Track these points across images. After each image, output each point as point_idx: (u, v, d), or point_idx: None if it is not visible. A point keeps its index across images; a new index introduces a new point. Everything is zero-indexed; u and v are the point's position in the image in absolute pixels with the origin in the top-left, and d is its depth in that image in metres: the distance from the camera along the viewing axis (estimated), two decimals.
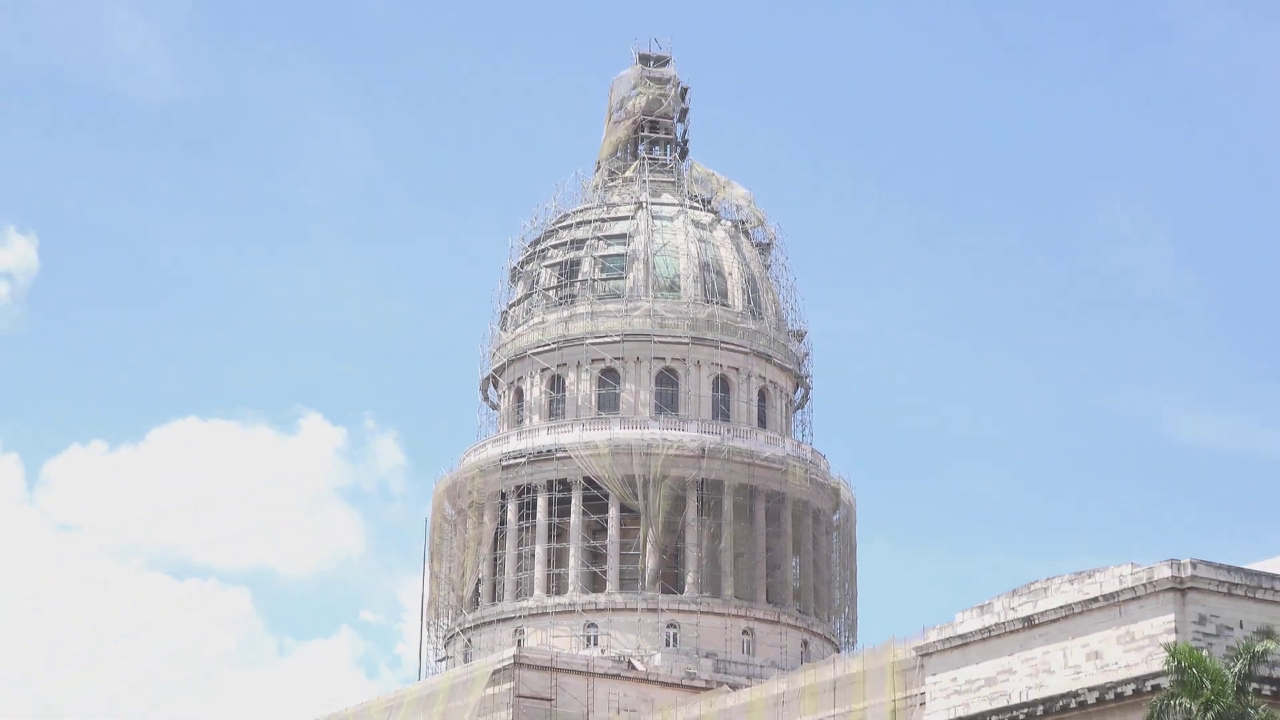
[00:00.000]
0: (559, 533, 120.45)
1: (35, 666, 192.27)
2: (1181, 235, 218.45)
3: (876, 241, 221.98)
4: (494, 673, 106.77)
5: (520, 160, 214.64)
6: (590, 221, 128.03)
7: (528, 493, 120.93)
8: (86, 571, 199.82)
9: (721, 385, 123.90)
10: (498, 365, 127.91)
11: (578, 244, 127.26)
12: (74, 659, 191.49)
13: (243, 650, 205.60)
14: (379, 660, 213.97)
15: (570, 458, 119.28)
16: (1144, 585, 75.02)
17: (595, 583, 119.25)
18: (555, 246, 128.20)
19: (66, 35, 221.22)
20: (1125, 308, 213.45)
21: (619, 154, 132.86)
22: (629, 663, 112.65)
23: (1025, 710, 78.66)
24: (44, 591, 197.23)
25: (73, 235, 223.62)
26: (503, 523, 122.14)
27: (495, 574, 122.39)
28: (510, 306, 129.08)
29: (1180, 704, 68.39)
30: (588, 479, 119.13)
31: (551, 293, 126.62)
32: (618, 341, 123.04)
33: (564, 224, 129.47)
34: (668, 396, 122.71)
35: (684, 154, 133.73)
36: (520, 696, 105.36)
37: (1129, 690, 74.56)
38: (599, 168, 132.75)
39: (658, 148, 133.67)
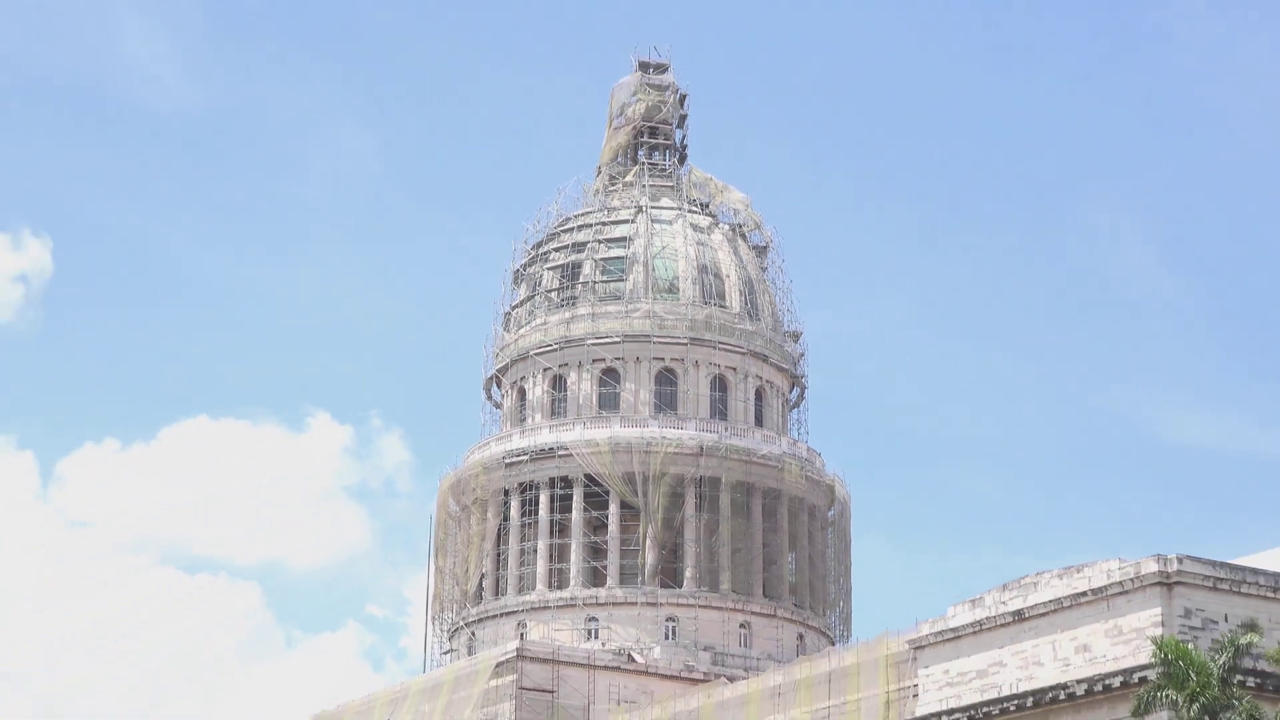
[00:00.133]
0: (561, 529, 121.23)
1: (50, 659, 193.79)
2: (1172, 237, 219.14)
3: (871, 244, 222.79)
4: (497, 665, 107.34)
5: (522, 165, 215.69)
6: (591, 225, 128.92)
7: (530, 489, 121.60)
8: (99, 566, 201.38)
9: (719, 385, 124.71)
10: (501, 365, 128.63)
11: (579, 247, 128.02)
12: (88, 652, 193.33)
13: (252, 643, 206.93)
14: (385, 653, 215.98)
15: (572, 455, 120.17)
16: (1131, 580, 75.09)
17: (596, 577, 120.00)
18: (557, 249, 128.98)
19: (80, 44, 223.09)
20: (1115, 308, 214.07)
21: (619, 159, 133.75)
22: (629, 655, 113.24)
23: (1015, 702, 78.74)
24: (58, 586, 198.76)
25: (86, 238, 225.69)
26: (506, 519, 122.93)
27: (498, 569, 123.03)
28: (513, 308, 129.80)
29: (1167, 696, 68.22)
30: (589, 476, 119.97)
31: (553, 294, 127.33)
32: (618, 342, 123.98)
33: (565, 227, 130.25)
34: (667, 396, 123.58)
35: (683, 159, 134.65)
36: (523, 688, 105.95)
37: (1117, 682, 74.61)
38: (600, 172, 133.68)
39: (657, 153, 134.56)
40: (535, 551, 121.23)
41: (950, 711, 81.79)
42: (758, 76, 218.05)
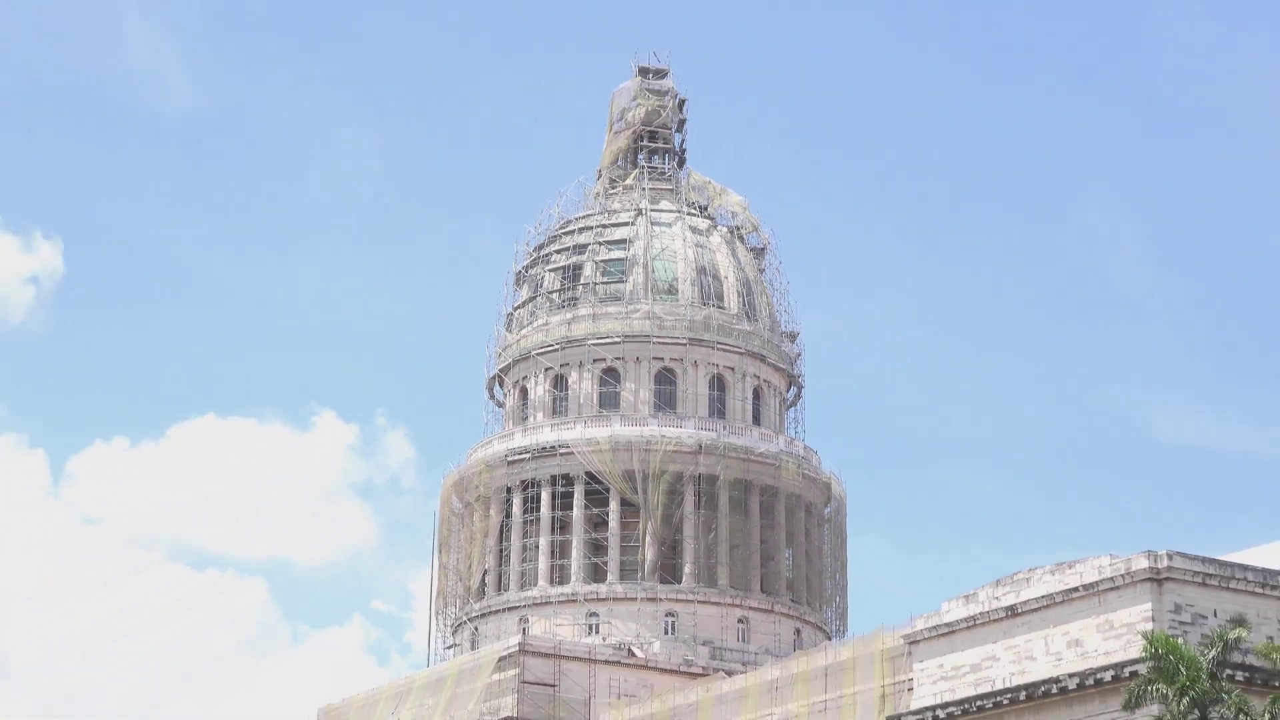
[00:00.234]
0: (562, 525, 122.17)
1: (60, 653, 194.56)
2: (1171, 237, 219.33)
3: (868, 245, 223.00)
4: (500, 659, 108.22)
5: (524, 168, 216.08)
6: (592, 227, 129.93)
7: (532, 487, 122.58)
8: (109, 563, 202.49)
9: (718, 384, 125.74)
10: (503, 365, 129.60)
11: (580, 249, 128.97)
12: (98, 646, 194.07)
13: (259, 638, 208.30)
14: (389, 648, 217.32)
15: (573, 453, 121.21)
16: (1122, 576, 75.37)
17: (597, 573, 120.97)
18: (558, 251, 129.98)
19: (84, 47, 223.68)
20: (1113, 308, 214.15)
21: (619, 163, 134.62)
22: (629, 650, 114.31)
23: (1008, 696, 79.00)
24: (68, 582, 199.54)
25: (96, 240, 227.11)
26: (508, 516, 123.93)
27: (501, 565, 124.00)
28: (515, 309, 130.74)
29: (1157, 690, 68.27)
30: (589, 474, 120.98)
31: (555, 295, 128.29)
32: (618, 342, 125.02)
33: (567, 229, 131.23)
34: (666, 395, 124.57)
35: (682, 162, 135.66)
36: (525, 682, 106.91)
37: (1108, 676, 74.93)
38: (600, 176, 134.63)
39: (657, 157, 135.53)
40: (537, 548, 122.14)
41: (944, 705, 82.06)
42: (756, 81, 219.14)
